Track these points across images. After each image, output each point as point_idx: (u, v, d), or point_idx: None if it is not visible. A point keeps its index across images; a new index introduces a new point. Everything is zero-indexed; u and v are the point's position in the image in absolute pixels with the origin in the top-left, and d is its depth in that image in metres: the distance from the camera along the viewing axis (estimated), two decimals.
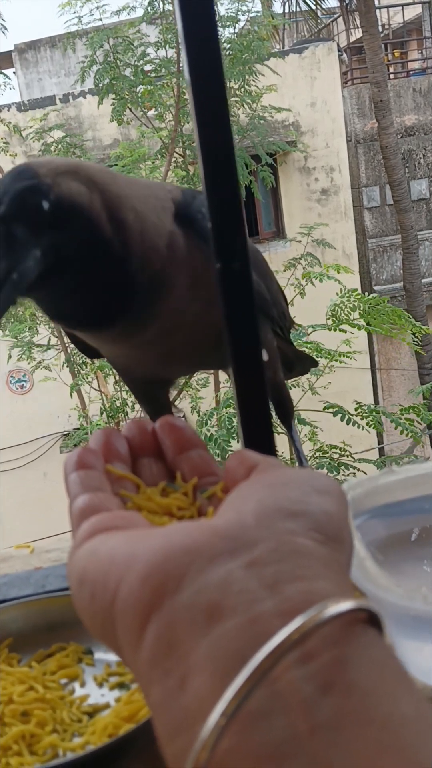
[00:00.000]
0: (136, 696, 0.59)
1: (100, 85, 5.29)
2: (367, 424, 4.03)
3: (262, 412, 0.64)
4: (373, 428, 4.10)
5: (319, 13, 8.65)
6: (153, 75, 5.26)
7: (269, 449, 0.65)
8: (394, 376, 7.89)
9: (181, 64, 5.07)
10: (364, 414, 4.00)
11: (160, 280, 0.68)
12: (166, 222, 0.70)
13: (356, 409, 4.04)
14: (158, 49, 5.30)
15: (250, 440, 0.64)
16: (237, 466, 0.41)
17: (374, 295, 4.42)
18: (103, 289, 0.65)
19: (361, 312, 4.05)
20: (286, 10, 9.23)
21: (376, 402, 7.48)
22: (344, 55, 8.48)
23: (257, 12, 5.40)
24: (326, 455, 4.06)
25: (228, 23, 5.13)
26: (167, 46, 5.25)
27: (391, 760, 0.25)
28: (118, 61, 5.22)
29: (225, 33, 5.14)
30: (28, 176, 0.61)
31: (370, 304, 4.05)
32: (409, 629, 0.55)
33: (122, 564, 0.32)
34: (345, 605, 0.29)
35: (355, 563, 0.57)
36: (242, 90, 5.23)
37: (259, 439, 0.64)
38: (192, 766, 0.26)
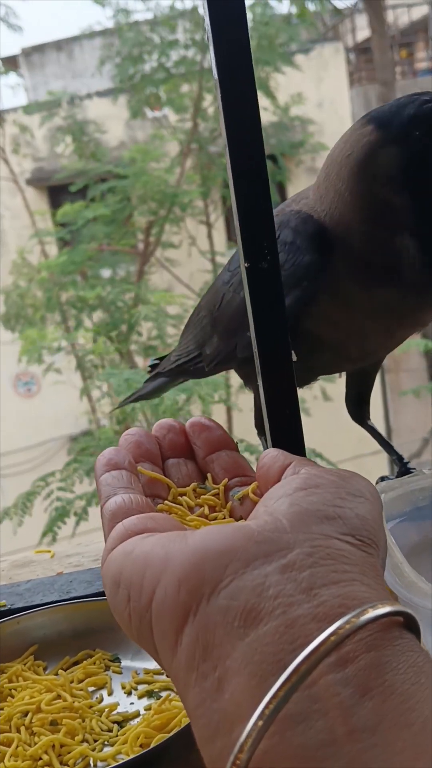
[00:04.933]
0: (167, 705, 0.58)
1: (122, 78, 5.29)
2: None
3: (291, 414, 0.63)
4: None
5: (326, 15, 8.62)
6: (174, 74, 5.27)
7: (299, 450, 0.64)
8: (403, 377, 7.87)
9: (204, 65, 5.08)
10: None
11: None
12: None
13: None
14: (187, 48, 5.31)
15: (277, 443, 0.63)
16: (269, 466, 0.41)
17: None
18: None
19: None
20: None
21: (385, 403, 7.45)
22: (351, 55, 8.47)
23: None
24: None
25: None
26: (194, 47, 5.25)
27: (430, 764, 0.25)
28: (144, 56, 5.22)
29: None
30: None
31: None
32: None
33: (158, 566, 0.32)
34: (382, 609, 0.29)
35: (390, 567, 0.55)
36: (263, 88, 5.22)
37: (287, 442, 0.63)
38: None
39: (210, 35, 0.56)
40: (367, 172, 0.61)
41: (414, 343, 4.63)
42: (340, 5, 7.63)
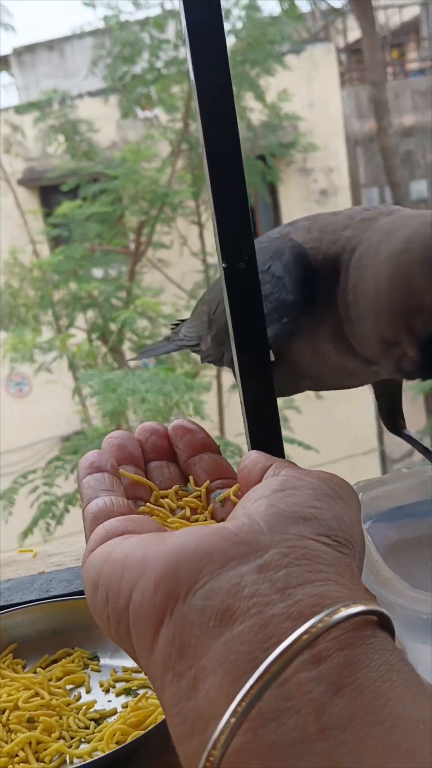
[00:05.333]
0: (144, 702, 0.58)
1: (113, 78, 5.29)
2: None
3: (270, 416, 0.63)
4: None
5: (317, 14, 8.64)
6: (165, 74, 5.27)
7: (278, 454, 0.65)
8: None
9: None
10: None
11: None
12: None
13: None
14: (177, 48, 5.31)
15: (256, 445, 0.63)
16: (250, 468, 0.42)
17: None
18: None
19: None
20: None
21: None
22: (342, 56, 8.49)
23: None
24: None
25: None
26: (184, 47, 5.25)
27: (400, 760, 0.25)
28: (135, 57, 5.22)
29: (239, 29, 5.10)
30: None
31: None
32: (422, 633, 0.55)
33: (136, 568, 0.32)
34: (354, 608, 0.29)
35: (366, 566, 0.56)
36: (254, 89, 5.22)
37: (267, 444, 0.63)
38: (204, 765, 0.27)
39: (187, 37, 0.56)
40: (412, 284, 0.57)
41: None
42: (335, 4, 7.65)
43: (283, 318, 0.66)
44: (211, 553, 0.32)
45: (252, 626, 0.29)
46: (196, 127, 5.41)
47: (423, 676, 0.55)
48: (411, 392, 5.29)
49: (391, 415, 0.81)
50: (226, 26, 5.11)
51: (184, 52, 5.25)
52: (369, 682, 0.27)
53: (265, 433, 0.63)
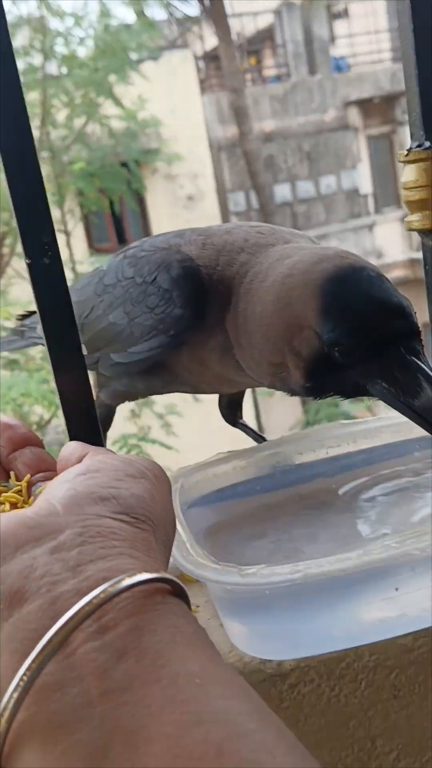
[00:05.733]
0: None
1: None
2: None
3: (86, 408, 0.64)
4: None
5: (173, 21, 8.73)
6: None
7: (96, 443, 0.66)
8: None
9: (46, 71, 5.06)
10: None
11: None
12: None
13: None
14: (26, 54, 5.23)
15: (75, 436, 0.64)
16: (68, 458, 0.43)
17: None
18: None
19: None
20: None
21: (255, 404, 7.61)
22: (201, 63, 8.61)
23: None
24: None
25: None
26: (34, 51, 5.19)
27: (174, 711, 0.27)
28: None
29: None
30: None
31: None
32: (230, 603, 0.57)
33: None
34: (139, 577, 0.31)
35: (177, 547, 0.58)
36: (110, 96, 5.22)
37: (85, 435, 0.64)
38: None
39: None
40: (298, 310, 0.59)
41: None
42: (190, 12, 7.75)
43: (169, 331, 0.66)
44: (5, 540, 0.32)
45: (41, 605, 0.30)
46: (56, 135, 5.37)
47: (236, 643, 0.57)
48: None
49: (230, 408, 0.84)
50: (80, 33, 5.13)
51: (39, 60, 5.22)
52: (152, 645, 0.29)
53: (83, 425, 0.64)
